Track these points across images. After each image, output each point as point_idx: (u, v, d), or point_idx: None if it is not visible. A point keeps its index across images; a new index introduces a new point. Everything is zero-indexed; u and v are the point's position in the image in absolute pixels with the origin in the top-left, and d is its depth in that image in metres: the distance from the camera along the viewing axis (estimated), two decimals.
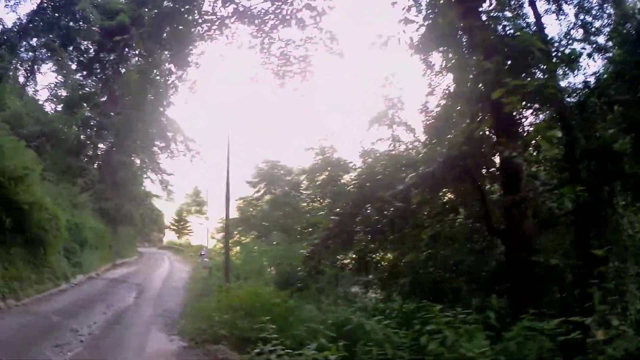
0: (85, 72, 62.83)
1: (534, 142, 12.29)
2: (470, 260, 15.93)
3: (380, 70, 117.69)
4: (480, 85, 11.69)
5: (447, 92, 21.21)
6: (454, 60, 15.60)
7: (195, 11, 19.54)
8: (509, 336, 9.54)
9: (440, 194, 13.93)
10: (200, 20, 19.74)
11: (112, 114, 58.29)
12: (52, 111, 55.65)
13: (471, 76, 12.52)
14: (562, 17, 22.65)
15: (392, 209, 13.70)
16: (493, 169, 14.10)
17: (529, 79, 12.58)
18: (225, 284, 27.57)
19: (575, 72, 15.64)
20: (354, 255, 17.66)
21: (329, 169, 74.66)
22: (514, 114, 12.68)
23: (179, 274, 49.98)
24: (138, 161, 69.70)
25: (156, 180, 74.66)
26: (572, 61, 12.63)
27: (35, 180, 28.94)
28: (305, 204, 78.46)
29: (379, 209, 13.26)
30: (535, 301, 11.91)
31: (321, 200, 76.03)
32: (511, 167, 12.16)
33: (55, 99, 57.37)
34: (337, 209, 16.46)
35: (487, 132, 12.62)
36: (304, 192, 78.83)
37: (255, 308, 17.35)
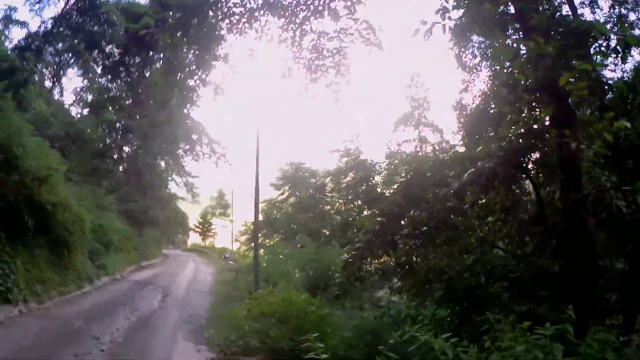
0: (110, 76, 62.07)
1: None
2: (514, 265, 14.62)
3: (407, 69, 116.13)
4: (538, 72, 10.38)
5: (488, 84, 20.03)
6: (498, 47, 14.91)
7: (223, 2, 18.28)
8: (589, 352, 8.18)
9: (492, 193, 12.56)
10: (228, 13, 18.48)
11: (138, 116, 57.40)
12: (78, 115, 55.66)
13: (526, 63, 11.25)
14: (597, 9, 21.71)
15: (441, 210, 12.40)
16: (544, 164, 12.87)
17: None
18: (255, 289, 26.35)
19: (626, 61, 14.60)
20: (391, 259, 16.41)
21: (353, 171, 73.88)
22: (572, 103, 11.39)
23: (204, 276, 48.68)
24: (163, 164, 69.27)
25: (181, 183, 74.33)
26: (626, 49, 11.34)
27: (59, 180, 28.02)
28: (329, 207, 77.55)
29: (428, 209, 11.92)
30: (598, 309, 11.02)
31: (346, 203, 75.20)
32: (571, 162, 10.87)
33: (80, 103, 56.75)
34: (377, 211, 15.28)
35: (547, 124, 11.33)
36: (330, 194, 77.85)
37: (289, 316, 16.16)
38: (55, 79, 56.27)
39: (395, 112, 66.37)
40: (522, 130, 10.90)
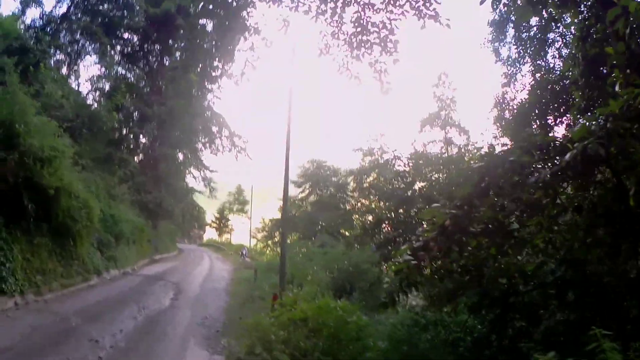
0: (128, 63, 60.01)
1: None
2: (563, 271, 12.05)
3: (434, 69, 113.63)
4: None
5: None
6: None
7: None
8: None
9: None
10: None
11: (155, 105, 55.09)
12: (94, 103, 52.85)
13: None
14: None
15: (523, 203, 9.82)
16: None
17: None
18: (280, 291, 23.64)
19: None
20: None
21: (376, 170, 71.84)
22: None
23: (219, 273, 46.18)
24: (181, 156, 66.85)
25: (198, 177, 71.99)
26: None
27: (64, 164, 25.33)
28: (350, 206, 75.59)
29: (514, 200, 9.30)
30: None
31: (373, 201, 73.16)
32: None
33: (97, 91, 54.58)
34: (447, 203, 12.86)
35: None
36: (351, 193, 75.96)
37: (323, 325, 13.56)
38: (71, 66, 54.14)
39: (421, 111, 63.74)
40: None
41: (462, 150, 53.43)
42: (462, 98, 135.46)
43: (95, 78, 56.75)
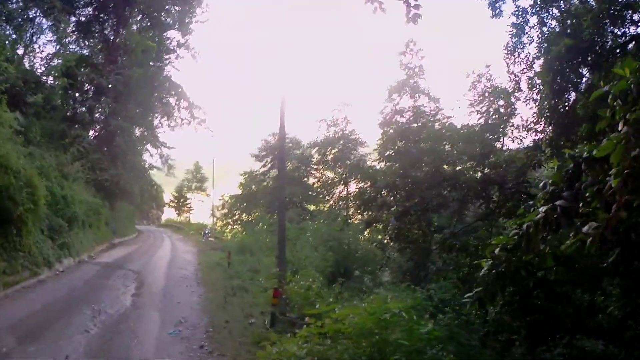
0: (82, 35, 54.51)
1: None
2: None
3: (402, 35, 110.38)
4: None
5: None
6: None
7: None
8: None
9: None
10: None
11: (111, 76, 50.09)
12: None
13: None
14: None
15: None
16: None
17: None
18: (281, 278, 18.23)
19: None
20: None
21: (341, 142, 68.36)
22: None
23: (184, 256, 41.35)
24: (137, 132, 61.90)
25: (155, 154, 66.79)
26: None
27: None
28: (316, 180, 72.05)
29: None
30: None
31: (336, 173, 69.88)
32: None
33: (52, 71, 48.58)
34: None
35: None
36: (315, 166, 72.25)
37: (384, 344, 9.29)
38: (27, 46, 48.57)
39: (388, 79, 60.63)
40: None
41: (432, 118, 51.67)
42: (437, 64, 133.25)
43: (50, 57, 50.76)
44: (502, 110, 24.75)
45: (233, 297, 20.33)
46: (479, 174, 21.83)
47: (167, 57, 60.74)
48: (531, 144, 21.38)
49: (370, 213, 26.57)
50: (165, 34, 59.27)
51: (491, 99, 36.09)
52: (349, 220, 61.55)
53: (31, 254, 23.50)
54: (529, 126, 21.55)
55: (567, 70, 18.12)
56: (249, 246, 37.39)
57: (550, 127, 19.27)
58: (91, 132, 53.43)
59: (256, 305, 17.93)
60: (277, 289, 16.51)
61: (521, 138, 23.05)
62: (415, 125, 53.67)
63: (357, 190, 64.25)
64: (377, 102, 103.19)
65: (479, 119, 40.31)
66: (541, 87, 19.95)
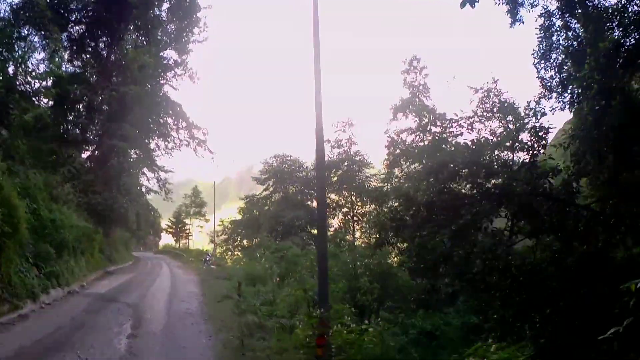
0: (75, 52, 51.18)
1: None
2: None
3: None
4: None
5: None
6: None
7: None
8: None
9: None
10: None
11: (105, 92, 46.71)
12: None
13: None
14: None
15: None
16: None
17: None
18: (322, 312, 13.71)
19: None
20: None
21: (346, 163, 65.42)
22: None
23: (185, 286, 37.21)
24: (134, 155, 58.80)
25: (153, 179, 64.10)
26: None
27: None
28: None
29: None
30: None
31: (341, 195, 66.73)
32: None
33: (43, 91, 45.21)
34: None
35: None
36: None
37: None
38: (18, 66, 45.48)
39: (391, 99, 58.19)
40: None
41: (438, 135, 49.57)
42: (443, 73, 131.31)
43: (42, 74, 47.19)
44: (510, 126, 22.29)
45: (251, 338, 16.58)
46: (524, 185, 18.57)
47: (164, 75, 57.54)
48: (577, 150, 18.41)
49: (381, 234, 23.55)
50: (162, 53, 56.13)
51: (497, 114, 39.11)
52: (355, 243, 59.25)
53: (12, 284, 20.45)
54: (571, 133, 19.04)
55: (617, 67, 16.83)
56: (257, 275, 33.53)
57: (596, 131, 16.90)
58: (84, 154, 49.98)
59: (284, 351, 14.21)
60: (322, 335, 12.29)
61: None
62: (422, 144, 52.27)
63: (373, 211, 61.83)
64: (381, 120, 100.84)
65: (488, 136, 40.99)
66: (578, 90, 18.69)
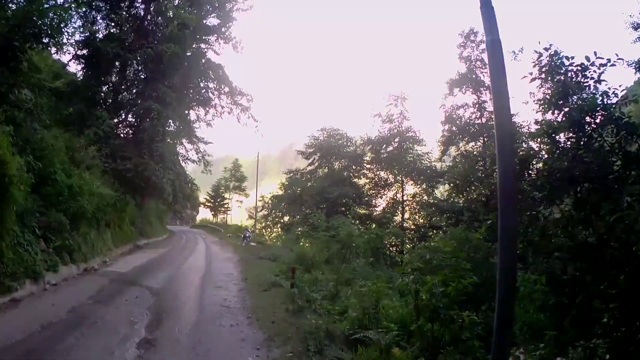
0: (110, 8, 46.00)
1: None
2: None
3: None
4: None
5: None
6: None
7: None
8: None
9: None
10: None
11: (140, 51, 42.84)
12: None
13: None
14: None
15: None
16: None
17: None
18: None
19: None
20: None
21: (397, 139, 60.00)
22: None
23: (222, 267, 31.55)
24: (172, 126, 54.52)
25: (191, 150, 59.55)
26: None
27: None
28: (367, 180, 63.26)
29: None
30: None
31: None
32: None
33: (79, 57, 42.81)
34: None
35: None
36: (368, 165, 63.66)
37: None
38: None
39: (449, 74, 53.95)
40: None
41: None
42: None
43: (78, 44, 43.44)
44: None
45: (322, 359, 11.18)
46: None
47: (206, 38, 52.26)
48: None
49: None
50: (204, 21, 50.79)
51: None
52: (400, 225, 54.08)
53: (4, 261, 16.07)
54: None
55: None
56: (310, 257, 27.74)
57: None
58: (117, 120, 44.94)
59: None
60: None
61: None
62: (479, 121, 52.30)
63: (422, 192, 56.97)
64: (434, 98, 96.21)
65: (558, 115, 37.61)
66: None
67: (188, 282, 23.76)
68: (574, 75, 14.23)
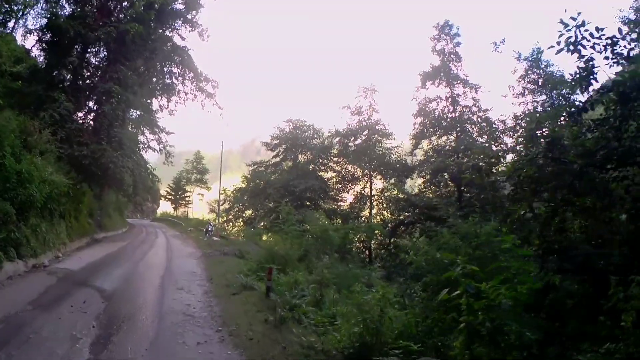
0: None
1: None
2: None
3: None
4: None
5: None
6: None
7: None
8: None
9: None
10: None
11: (102, 29, 39.71)
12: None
13: None
14: None
15: None
16: None
17: None
18: None
19: None
20: None
21: (366, 132, 58.25)
22: None
23: (184, 264, 28.30)
24: (134, 114, 52.79)
25: (153, 141, 56.41)
26: None
27: None
28: (334, 174, 61.63)
29: None
30: None
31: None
32: None
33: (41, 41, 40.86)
34: None
35: None
36: (335, 159, 61.97)
37: None
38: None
39: (421, 66, 52.21)
40: None
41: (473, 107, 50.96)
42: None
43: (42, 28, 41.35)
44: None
45: None
46: None
47: (171, 22, 49.20)
48: None
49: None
50: (171, 5, 47.80)
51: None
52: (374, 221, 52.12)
53: None
54: None
55: None
56: (283, 254, 24.67)
57: None
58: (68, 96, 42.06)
59: None
60: None
61: None
62: (451, 115, 51.48)
63: (391, 186, 55.17)
64: (405, 91, 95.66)
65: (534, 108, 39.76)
66: None
67: (146, 281, 20.90)
68: (602, 49, 12.43)
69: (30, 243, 21.45)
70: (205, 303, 16.72)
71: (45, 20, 40.71)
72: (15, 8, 36.60)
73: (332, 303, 15.37)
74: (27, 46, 43.06)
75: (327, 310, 14.55)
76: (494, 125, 47.96)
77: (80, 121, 40.26)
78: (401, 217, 51.16)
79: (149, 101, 52.10)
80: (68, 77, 40.07)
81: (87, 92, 41.65)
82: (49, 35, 39.66)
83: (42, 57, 40.51)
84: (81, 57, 40.45)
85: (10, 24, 40.22)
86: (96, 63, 43.67)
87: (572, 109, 14.33)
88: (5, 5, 34.32)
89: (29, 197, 21.57)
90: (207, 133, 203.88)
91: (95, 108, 41.99)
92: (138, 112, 52.45)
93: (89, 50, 41.23)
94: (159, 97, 53.60)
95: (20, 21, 41.19)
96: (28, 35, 42.27)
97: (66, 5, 43.56)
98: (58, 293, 16.16)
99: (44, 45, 40.35)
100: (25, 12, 40.07)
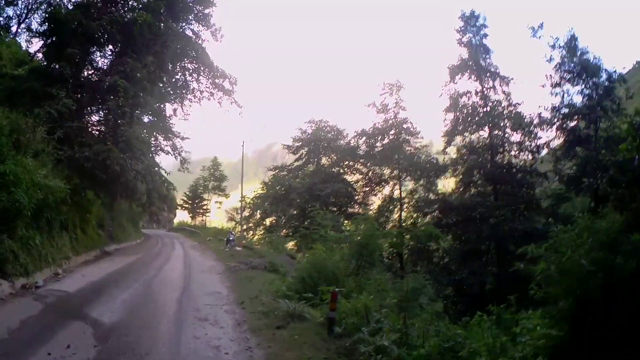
0: None
1: None
2: None
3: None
4: None
5: None
6: None
7: None
8: None
9: None
10: None
11: (106, 18, 36.07)
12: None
13: None
14: None
15: None
16: None
17: None
18: None
19: None
20: None
21: (392, 131, 54.64)
22: None
23: (205, 281, 23.56)
24: (146, 119, 47.55)
25: (167, 147, 51.66)
26: None
27: None
28: (360, 176, 58.41)
29: None
30: None
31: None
32: None
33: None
34: None
35: None
36: (362, 160, 58.15)
37: None
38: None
39: (448, 60, 49.01)
40: None
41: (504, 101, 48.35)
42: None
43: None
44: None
45: None
46: None
47: (184, 15, 45.19)
48: None
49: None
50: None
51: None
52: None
53: None
54: None
55: None
56: (331, 269, 19.25)
57: None
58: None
59: None
60: None
61: None
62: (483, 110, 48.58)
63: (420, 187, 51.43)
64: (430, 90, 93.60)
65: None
66: None
67: (159, 309, 15.90)
68: None
69: (19, 259, 17.89)
70: (241, 343, 11.73)
71: (44, 14, 38.19)
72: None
73: (421, 336, 10.65)
74: (32, 51, 40.68)
75: (421, 350, 9.83)
76: (527, 119, 45.38)
77: (82, 119, 36.25)
78: (439, 220, 47.13)
79: (162, 106, 48.53)
80: (68, 71, 36.20)
81: (90, 88, 37.57)
82: (47, 27, 36.42)
83: (41, 54, 37.96)
84: (83, 49, 36.45)
85: (14, 29, 40.37)
86: (100, 57, 40.29)
87: None
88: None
89: (14, 204, 17.64)
90: (221, 141, 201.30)
91: (99, 104, 37.88)
92: (150, 117, 48.30)
93: (92, 42, 37.36)
94: (172, 101, 50.21)
95: (23, 25, 40.12)
96: (32, 40, 40.69)
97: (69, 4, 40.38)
98: (36, 331, 11.55)
99: (42, 38, 37.52)
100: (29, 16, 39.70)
